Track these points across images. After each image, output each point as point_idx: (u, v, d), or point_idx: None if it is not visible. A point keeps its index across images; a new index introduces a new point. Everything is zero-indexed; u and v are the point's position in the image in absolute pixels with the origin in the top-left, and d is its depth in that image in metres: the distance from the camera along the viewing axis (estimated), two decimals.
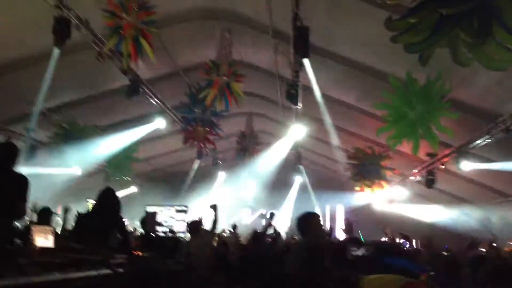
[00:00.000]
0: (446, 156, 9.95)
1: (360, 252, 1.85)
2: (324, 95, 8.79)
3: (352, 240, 5.21)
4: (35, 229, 4.08)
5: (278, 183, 16.82)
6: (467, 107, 7.90)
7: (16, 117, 9.34)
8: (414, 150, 7.05)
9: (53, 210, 6.75)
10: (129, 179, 13.38)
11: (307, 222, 3.76)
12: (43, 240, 3.85)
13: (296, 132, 11.35)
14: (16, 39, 7.20)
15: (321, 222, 3.91)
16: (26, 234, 4.28)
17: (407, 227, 12.12)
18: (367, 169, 11.35)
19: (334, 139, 10.83)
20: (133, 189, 15.64)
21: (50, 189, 10.30)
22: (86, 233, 4.36)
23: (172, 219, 13.83)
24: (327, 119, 9.59)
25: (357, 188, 12.18)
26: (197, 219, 6.93)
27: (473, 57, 4.31)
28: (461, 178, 11.14)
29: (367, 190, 11.93)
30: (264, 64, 10.15)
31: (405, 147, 7.52)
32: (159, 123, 11.12)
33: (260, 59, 10.09)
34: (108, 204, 4.87)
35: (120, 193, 11.91)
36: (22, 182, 4.23)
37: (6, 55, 7.66)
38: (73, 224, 4.82)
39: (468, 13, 4.06)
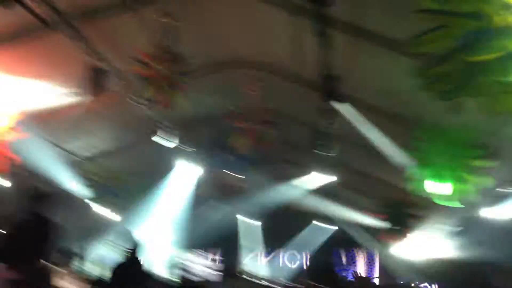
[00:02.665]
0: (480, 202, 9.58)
1: None
2: (351, 142, 8.77)
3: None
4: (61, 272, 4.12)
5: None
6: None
7: None
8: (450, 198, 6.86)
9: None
10: None
11: (327, 274, 3.77)
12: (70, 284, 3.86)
13: (323, 179, 11.37)
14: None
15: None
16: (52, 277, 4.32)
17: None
18: (398, 218, 11.07)
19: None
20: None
21: None
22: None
23: (202, 266, 13.67)
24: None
25: (388, 238, 11.84)
26: (231, 264, 6.86)
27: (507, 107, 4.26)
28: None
29: (397, 239, 11.59)
30: (292, 111, 10.25)
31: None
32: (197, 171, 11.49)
33: (288, 107, 10.20)
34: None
35: None
36: (48, 226, 4.31)
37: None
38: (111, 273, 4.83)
39: (500, 59, 4.06)
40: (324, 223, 16.84)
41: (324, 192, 13.08)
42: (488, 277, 11.15)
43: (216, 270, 6.44)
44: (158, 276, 5.10)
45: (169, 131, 8.90)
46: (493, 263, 11.89)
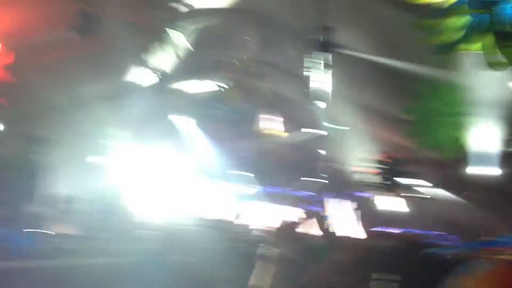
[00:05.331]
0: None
1: None
2: (346, 96, 8.68)
3: None
4: None
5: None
6: None
7: None
8: (446, 154, 6.85)
9: None
10: None
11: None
12: None
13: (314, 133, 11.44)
14: None
15: None
16: None
17: None
18: (391, 174, 11.09)
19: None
20: None
21: None
22: None
23: None
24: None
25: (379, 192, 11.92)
26: None
27: (507, 60, 4.17)
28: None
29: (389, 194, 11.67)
30: (286, 63, 10.09)
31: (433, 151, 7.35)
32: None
33: (283, 59, 10.02)
34: None
35: None
36: None
37: None
38: None
39: (500, 16, 3.95)
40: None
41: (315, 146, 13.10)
42: None
43: None
44: None
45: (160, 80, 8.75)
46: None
